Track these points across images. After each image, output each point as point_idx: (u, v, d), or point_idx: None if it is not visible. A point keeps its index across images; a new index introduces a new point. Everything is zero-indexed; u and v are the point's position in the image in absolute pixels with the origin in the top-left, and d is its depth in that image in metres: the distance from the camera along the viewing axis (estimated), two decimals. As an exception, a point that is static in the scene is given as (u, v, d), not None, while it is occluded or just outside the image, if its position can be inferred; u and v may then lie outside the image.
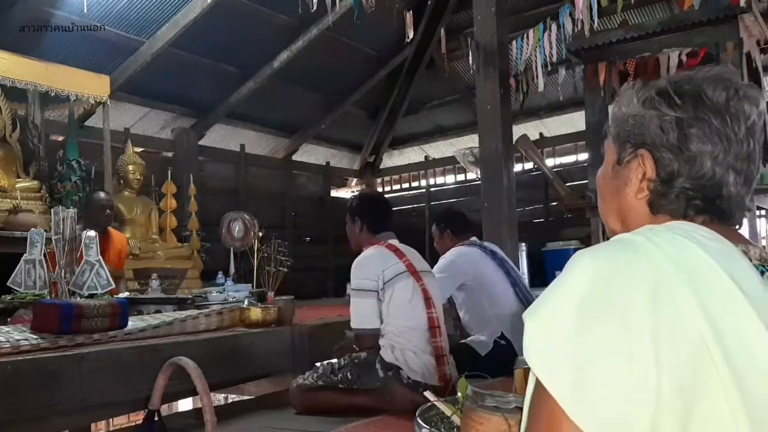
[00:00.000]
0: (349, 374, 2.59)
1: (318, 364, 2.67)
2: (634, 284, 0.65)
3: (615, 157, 0.86)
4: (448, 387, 2.53)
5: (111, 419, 4.37)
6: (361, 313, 2.62)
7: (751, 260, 0.72)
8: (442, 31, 5.85)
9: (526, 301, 3.34)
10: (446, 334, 2.70)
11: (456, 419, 1.40)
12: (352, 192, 10.57)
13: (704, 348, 0.62)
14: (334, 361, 2.65)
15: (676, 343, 0.62)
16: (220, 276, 4.50)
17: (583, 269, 0.68)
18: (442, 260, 3.45)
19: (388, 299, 2.59)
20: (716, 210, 0.80)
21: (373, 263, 2.65)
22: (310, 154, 9.78)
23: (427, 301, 2.65)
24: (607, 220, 0.90)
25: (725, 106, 0.77)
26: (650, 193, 0.81)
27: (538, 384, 0.66)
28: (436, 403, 1.48)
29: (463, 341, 3.38)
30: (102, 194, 4.29)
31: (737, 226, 0.83)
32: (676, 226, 0.76)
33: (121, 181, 6.14)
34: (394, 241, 2.79)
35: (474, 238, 3.62)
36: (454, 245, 3.51)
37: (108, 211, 4.08)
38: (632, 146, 0.83)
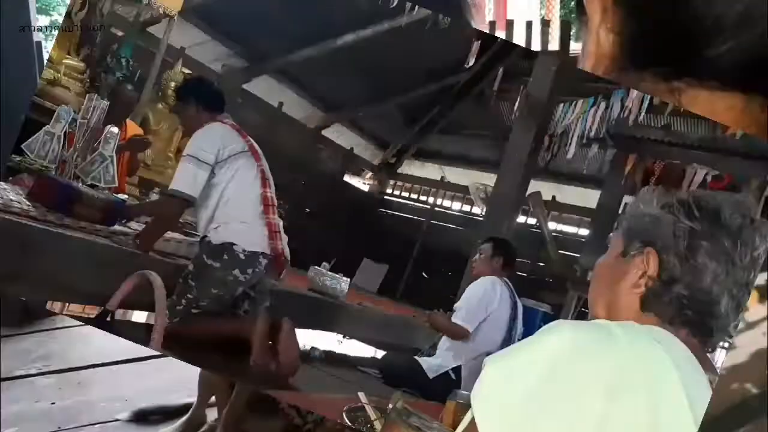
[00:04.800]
0: (193, 287, 2.52)
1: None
2: (599, 373, 0.67)
3: (621, 250, 0.89)
4: (280, 259, 2.66)
5: (67, 304, 4.48)
6: (184, 178, 2.61)
7: None
8: (501, 70, 6.00)
9: None
10: (280, 219, 2.74)
11: (378, 425, 1.46)
12: (365, 183, 10.69)
13: None
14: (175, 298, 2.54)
15: None
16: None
17: (561, 338, 0.71)
18: (476, 287, 3.35)
19: (229, 178, 2.63)
20: (701, 326, 0.82)
21: (216, 137, 2.70)
22: (339, 134, 9.90)
23: (265, 181, 2.72)
24: (593, 305, 0.92)
25: (738, 232, 0.80)
26: (646, 291, 0.84)
27: (472, 425, 0.69)
28: (366, 406, 1.54)
29: (415, 357, 3.37)
30: (127, 88, 4.38)
31: (711, 350, 0.85)
32: (660, 334, 0.78)
33: (160, 94, 6.28)
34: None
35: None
36: (492, 273, 3.40)
37: (123, 104, 4.01)
38: (641, 243, 0.86)
